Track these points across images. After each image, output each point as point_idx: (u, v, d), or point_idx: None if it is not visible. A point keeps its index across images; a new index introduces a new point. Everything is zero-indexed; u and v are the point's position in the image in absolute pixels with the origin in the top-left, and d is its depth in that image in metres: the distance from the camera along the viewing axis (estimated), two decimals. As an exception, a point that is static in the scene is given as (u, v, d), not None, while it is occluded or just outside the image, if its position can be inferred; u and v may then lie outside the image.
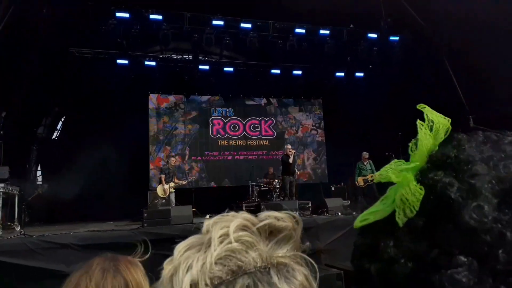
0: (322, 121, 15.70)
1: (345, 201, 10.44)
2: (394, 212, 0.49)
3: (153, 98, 13.93)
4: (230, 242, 0.45)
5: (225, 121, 14.57)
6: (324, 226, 7.53)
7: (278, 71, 13.51)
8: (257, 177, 12.76)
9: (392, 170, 0.52)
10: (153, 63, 12.43)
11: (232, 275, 0.43)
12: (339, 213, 8.76)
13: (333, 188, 12.23)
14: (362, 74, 14.19)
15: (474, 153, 0.49)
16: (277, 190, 11.16)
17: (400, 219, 0.47)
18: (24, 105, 11.26)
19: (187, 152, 13.93)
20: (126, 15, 10.38)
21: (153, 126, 13.81)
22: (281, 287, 0.44)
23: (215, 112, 14.51)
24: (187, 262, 0.45)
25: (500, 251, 0.42)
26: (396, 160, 0.53)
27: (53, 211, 11.67)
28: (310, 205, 9.87)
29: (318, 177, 14.80)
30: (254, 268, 0.44)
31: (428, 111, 0.53)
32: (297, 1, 11.21)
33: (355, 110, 14.08)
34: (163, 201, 10.05)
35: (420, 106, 0.54)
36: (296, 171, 10.84)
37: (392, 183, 0.52)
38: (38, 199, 11.28)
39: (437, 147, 0.52)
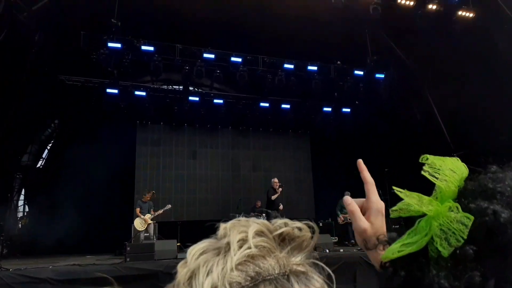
0: (310, 156, 15.78)
1: (333, 238, 10.34)
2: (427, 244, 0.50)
3: (141, 128, 13.88)
4: (249, 247, 0.45)
5: (213, 152, 14.54)
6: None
7: (267, 105, 13.69)
8: (243, 211, 12.60)
9: (417, 204, 0.52)
10: (143, 93, 12.48)
11: (251, 281, 0.43)
12: (327, 250, 8.65)
13: (320, 224, 12.10)
14: (349, 110, 14.45)
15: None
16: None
17: (446, 249, 0.47)
18: (9, 131, 11.10)
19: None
20: (118, 45, 10.50)
21: (140, 156, 13.67)
22: None
23: (203, 144, 14.49)
24: (207, 265, 0.44)
25: None
26: (407, 198, 0.54)
27: (34, 243, 11.26)
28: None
29: (305, 212, 14.68)
30: (274, 275, 0.44)
31: (434, 160, 0.55)
32: (287, 37, 11.56)
33: (342, 145, 14.25)
34: (146, 234, 9.81)
35: (424, 159, 0.56)
36: (280, 204, 10.75)
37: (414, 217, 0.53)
38: (19, 232, 10.93)
39: (463, 182, 0.53)
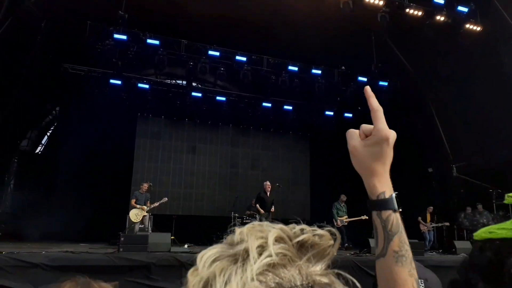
0: (309, 158, 15.80)
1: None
2: None
3: (142, 120, 13.89)
4: (269, 255, 0.42)
5: (213, 148, 14.56)
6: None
7: (269, 105, 13.72)
8: (239, 209, 12.61)
9: None
10: (146, 86, 12.49)
11: None
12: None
13: (315, 227, 12.10)
14: (351, 115, 14.47)
15: None
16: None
17: None
18: (10, 116, 11.09)
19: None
20: (124, 37, 10.50)
21: (139, 148, 13.68)
22: None
23: (202, 140, 14.51)
24: (224, 274, 0.41)
25: None
26: None
27: (28, 228, 11.27)
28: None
29: (300, 214, 14.70)
30: (297, 286, 0.42)
31: None
32: (292, 40, 11.57)
33: (341, 150, 14.15)
34: (141, 225, 9.81)
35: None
36: (272, 207, 10.73)
37: None
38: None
39: None
